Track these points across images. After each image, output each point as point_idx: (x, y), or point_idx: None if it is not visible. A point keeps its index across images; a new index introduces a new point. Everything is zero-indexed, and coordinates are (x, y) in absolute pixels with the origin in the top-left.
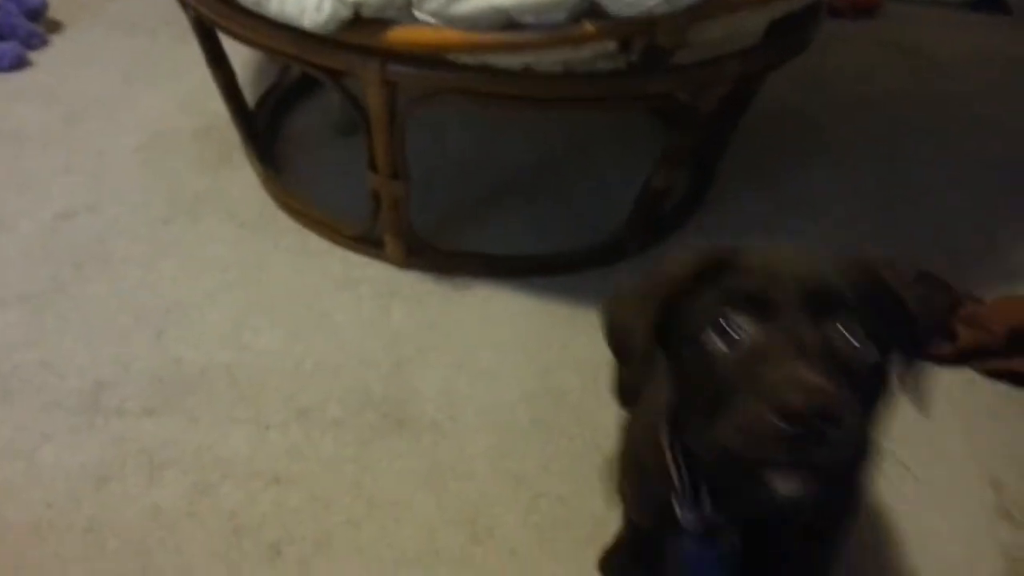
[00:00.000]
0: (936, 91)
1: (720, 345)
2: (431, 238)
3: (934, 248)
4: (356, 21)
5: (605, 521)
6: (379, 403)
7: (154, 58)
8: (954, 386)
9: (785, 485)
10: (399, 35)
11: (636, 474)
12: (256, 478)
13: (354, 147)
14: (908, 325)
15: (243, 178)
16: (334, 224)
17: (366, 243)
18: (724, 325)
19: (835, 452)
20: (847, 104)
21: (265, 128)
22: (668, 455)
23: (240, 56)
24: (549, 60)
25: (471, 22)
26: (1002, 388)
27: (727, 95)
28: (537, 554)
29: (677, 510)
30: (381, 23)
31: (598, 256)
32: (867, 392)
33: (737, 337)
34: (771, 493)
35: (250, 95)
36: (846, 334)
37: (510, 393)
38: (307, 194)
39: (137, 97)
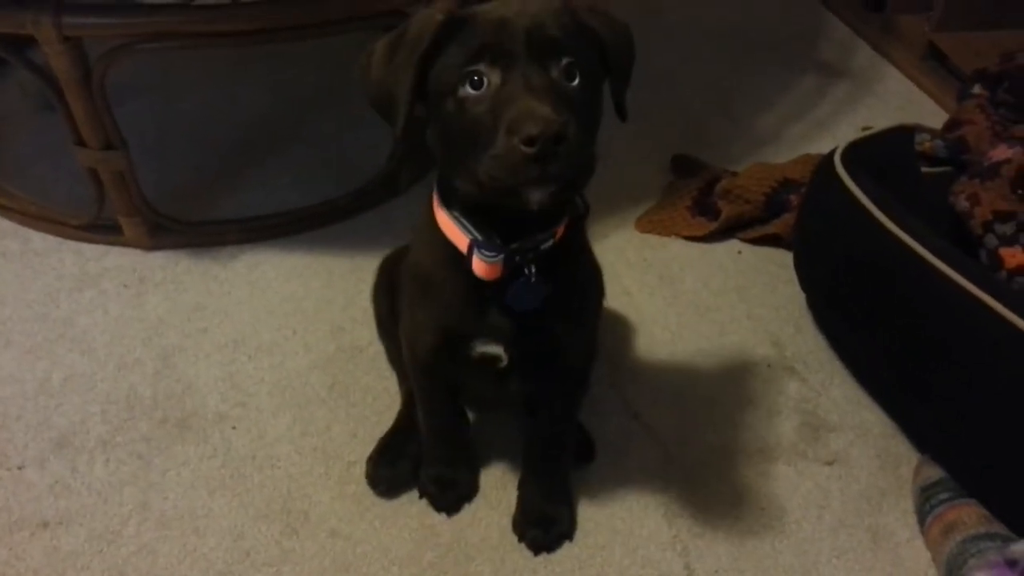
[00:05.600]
0: None
1: (473, 93)
2: (178, 212)
3: (683, 129)
4: None
5: None
6: (151, 408)
7: None
8: (725, 259)
9: (536, 196)
10: None
11: (424, 297)
12: (19, 528)
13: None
14: (606, 56)
15: None
16: (56, 215)
17: (99, 230)
18: (474, 76)
19: (567, 164)
20: None
21: None
22: (449, 219)
23: None
24: None
25: None
26: (767, 252)
27: None
28: (360, 527)
29: (477, 254)
30: None
31: (370, 197)
32: (586, 117)
33: (484, 85)
34: (528, 204)
35: None
36: (565, 73)
37: (300, 362)
38: (17, 185)
39: None
